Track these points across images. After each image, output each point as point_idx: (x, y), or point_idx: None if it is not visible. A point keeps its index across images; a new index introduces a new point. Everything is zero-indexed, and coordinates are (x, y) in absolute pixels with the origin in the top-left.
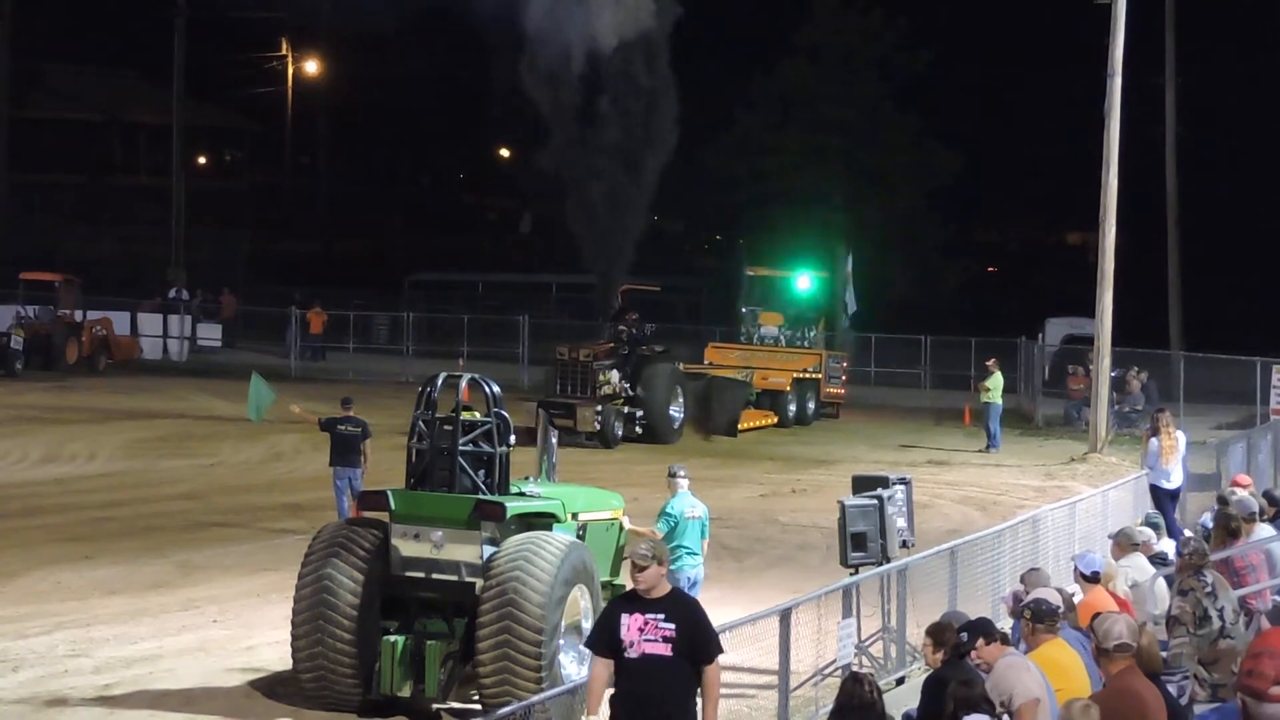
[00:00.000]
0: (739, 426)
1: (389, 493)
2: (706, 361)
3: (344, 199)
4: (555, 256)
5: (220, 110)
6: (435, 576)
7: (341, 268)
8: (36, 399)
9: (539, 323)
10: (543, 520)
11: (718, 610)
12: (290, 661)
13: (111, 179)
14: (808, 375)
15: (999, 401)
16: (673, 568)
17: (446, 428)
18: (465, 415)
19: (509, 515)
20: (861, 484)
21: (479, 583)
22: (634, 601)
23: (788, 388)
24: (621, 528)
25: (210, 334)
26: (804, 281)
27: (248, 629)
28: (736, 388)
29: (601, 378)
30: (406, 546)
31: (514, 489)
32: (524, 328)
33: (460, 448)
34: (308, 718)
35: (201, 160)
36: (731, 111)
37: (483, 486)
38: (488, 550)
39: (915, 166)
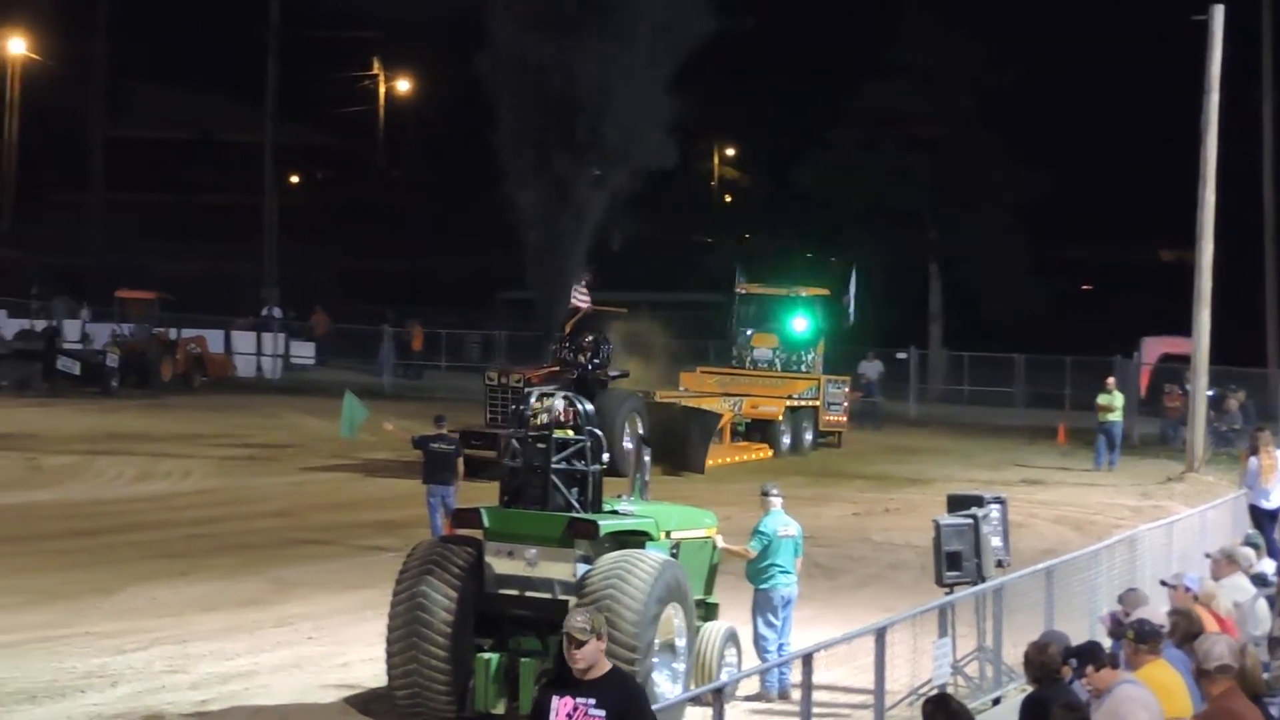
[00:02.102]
0: (707, 461)
1: (482, 510)
2: (681, 388)
3: (435, 216)
4: (647, 274)
5: (311, 128)
6: (529, 594)
7: (432, 285)
8: (132, 417)
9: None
10: (636, 538)
11: (811, 629)
12: (385, 678)
13: (203, 198)
14: (803, 403)
15: (1120, 419)
16: (766, 586)
17: (540, 445)
18: (558, 433)
19: (602, 533)
20: (957, 503)
21: (572, 600)
22: (566, 683)
23: (779, 417)
24: (715, 546)
25: (303, 352)
26: (800, 323)
27: (342, 645)
28: (703, 419)
29: (537, 404)
30: (500, 564)
31: (607, 507)
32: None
33: (554, 465)
34: None
35: (293, 179)
36: (821, 131)
37: (576, 504)
38: (581, 568)
39: (1005, 184)
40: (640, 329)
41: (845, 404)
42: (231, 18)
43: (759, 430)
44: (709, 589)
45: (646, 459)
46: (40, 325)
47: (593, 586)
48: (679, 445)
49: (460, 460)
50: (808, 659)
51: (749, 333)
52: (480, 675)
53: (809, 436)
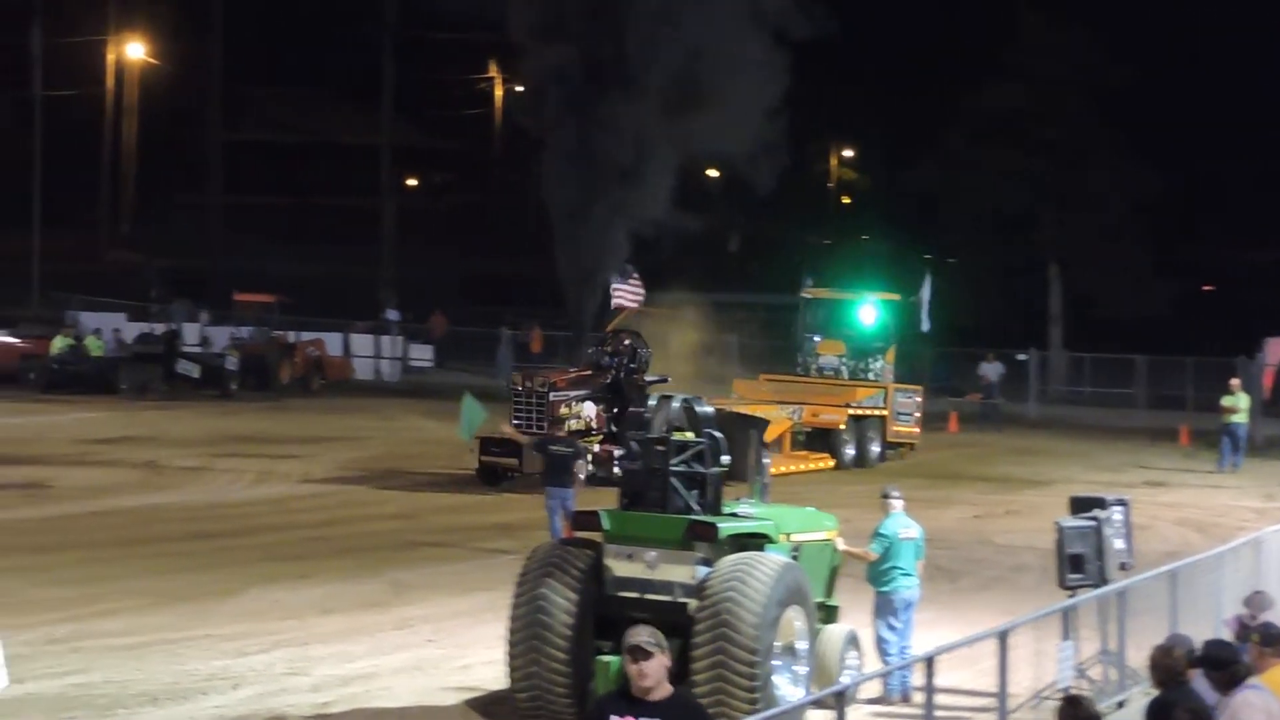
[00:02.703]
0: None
1: (602, 513)
2: (733, 394)
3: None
4: (765, 276)
5: (428, 131)
6: (648, 597)
7: (551, 287)
8: (250, 419)
9: (748, 343)
10: (756, 541)
11: (932, 632)
12: (505, 680)
13: (320, 200)
14: (868, 412)
15: (1245, 421)
16: (887, 589)
17: (659, 448)
18: (677, 436)
19: (722, 536)
20: (1079, 505)
21: (692, 603)
22: (627, 701)
23: (842, 425)
24: (835, 549)
25: (421, 355)
26: (868, 312)
27: (462, 648)
28: (749, 425)
29: (564, 410)
30: (620, 567)
31: (727, 509)
32: (733, 349)
33: (673, 468)
34: None
35: (411, 181)
36: (936, 133)
37: (695, 506)
38: (701, 571)
39: (1124, 184)
40: (689, 329)
41: (917, 414)
42: (348, 21)
43: (821, 440)
44: (829, 592)
45: (766, 461)
46: (160, 328)
47: (713, 589)
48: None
49: (579, 463)
50: (930, 662)
51: (815, 339)
52: (600, 678)
53: (875, 448)
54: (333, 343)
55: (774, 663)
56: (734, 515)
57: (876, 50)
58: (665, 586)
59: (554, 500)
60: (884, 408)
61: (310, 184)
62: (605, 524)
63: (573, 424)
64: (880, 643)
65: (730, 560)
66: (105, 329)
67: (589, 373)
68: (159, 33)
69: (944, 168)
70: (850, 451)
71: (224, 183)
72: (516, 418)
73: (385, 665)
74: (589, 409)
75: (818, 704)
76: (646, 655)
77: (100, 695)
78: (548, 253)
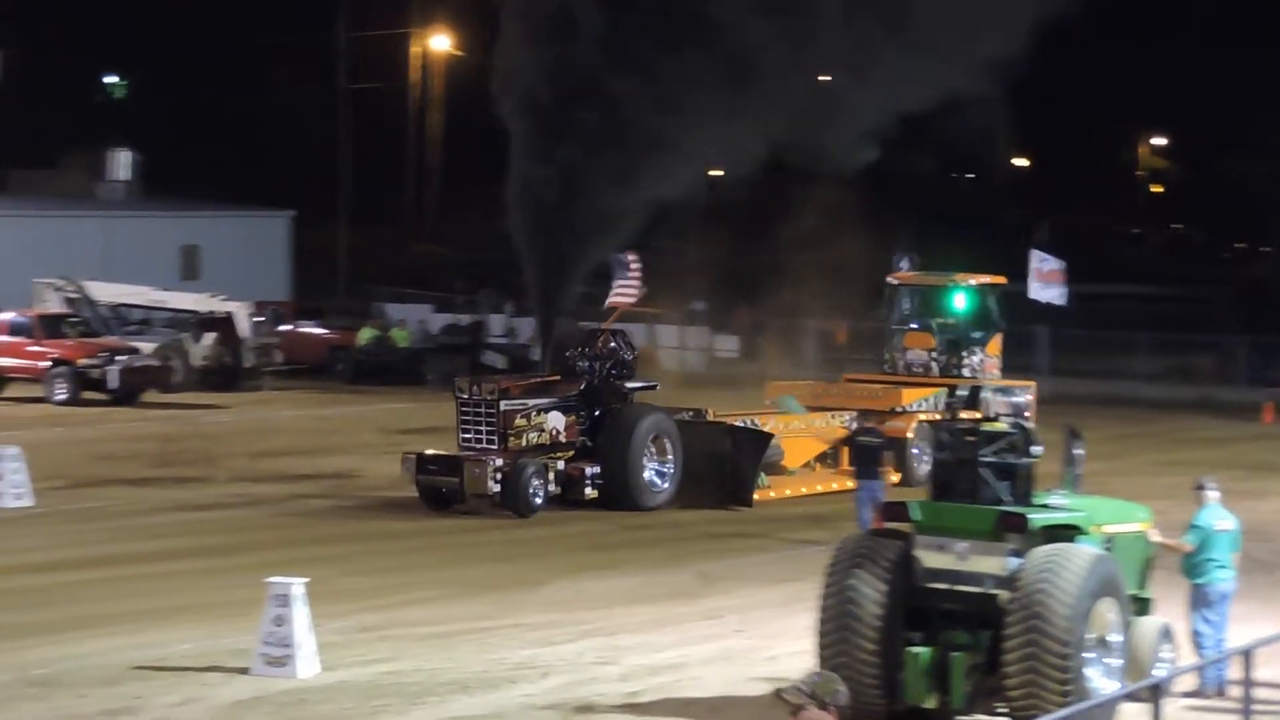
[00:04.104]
0: (754, 494)
1: (911, 504)
2: (767, 400)
3: (851, 207)
4: (1074, 266)
5: None
6: (959, 588)
7: (864, 279)
8: None
9: (1061, 333)
10: (1067, 532)
11: (1249, 625)
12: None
13: None
14: (949, 416)
15: None
16: (1202, 581)
17: (969, 439)
18: (988, 426)
19: (1033, 527)
20: None
21: (1003, 595)
22: None
23: (910, 434)
24: (1149, 541)
25: (727, 345)
26: (960, 300)
27: (770, 639)
28: (751, 440)
29: (520, 422)
30: (930, 558)
31: (1037, 500)
32: (1045, 339)
33: (983, 459)
34: None
35: (715, 172)
36: (1248, 117)
37: (1006, 498)
38: (1012, 562)
39: None
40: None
41: (1027, 414)
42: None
43: (890, 449)
44: (1143, 584)
45: (1078, 451)
46: (466, 320)
47: (1024, 581)
48: (725, 471)
49: (888, 455)
50: (1247, 655)
51: (902, 332)
52: (910, 669)
53: None
54: (638, 333)
55: (1086, 655)
56: (1045, 506)
57: (1189, 35)
58: (976, 578)
59: (864, 491)
60: (936, 412)
61: None
62: (915, 515)
63: (532, 437)
64: (1195, 636)
65: (1042, 552)
66: (412, 320)
67: (555, 379)
68: (461, 25)
69: (1259, 153)
70: (923, 462)
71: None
72: (463, 430)
73: (693, 655)
74: (555, 419)
75: (1131, 697)
76: (792, 708)
77: (410, 683)
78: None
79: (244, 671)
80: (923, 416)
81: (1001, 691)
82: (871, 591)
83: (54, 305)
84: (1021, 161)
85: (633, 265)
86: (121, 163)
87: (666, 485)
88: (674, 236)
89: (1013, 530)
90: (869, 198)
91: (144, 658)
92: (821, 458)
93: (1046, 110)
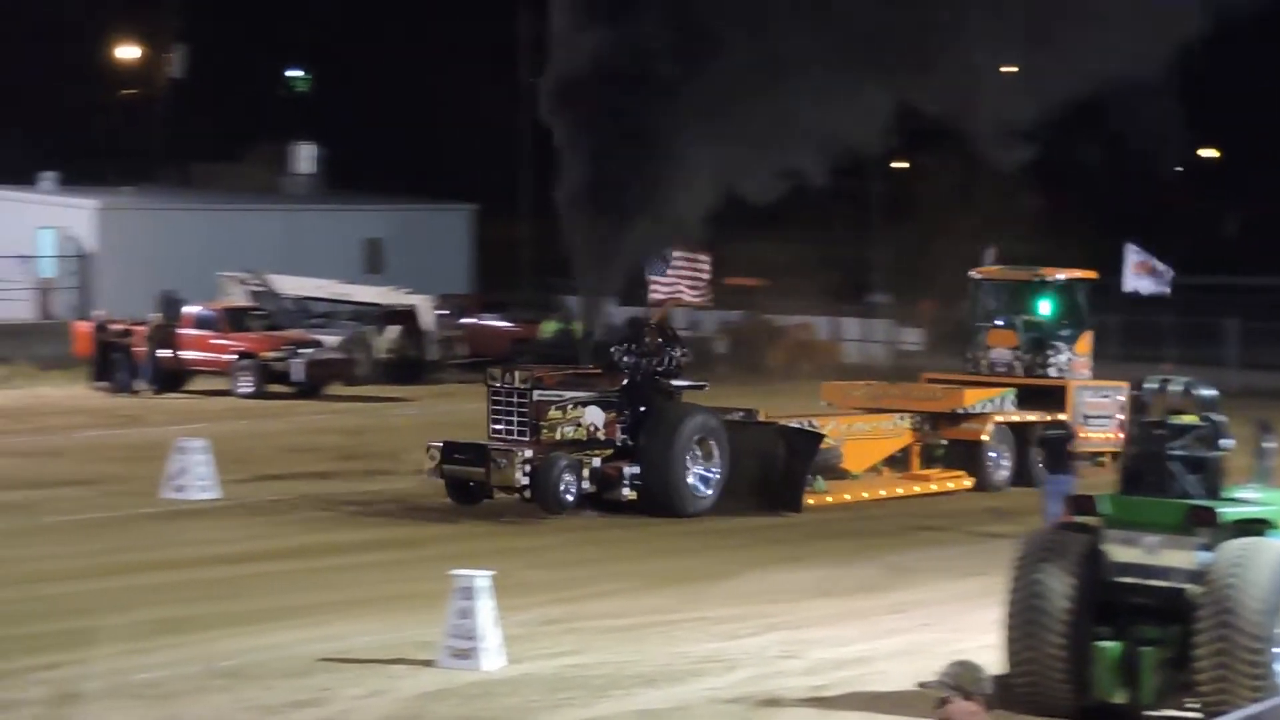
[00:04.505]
0: (803, 499)
1: (1100, 498)
2: (824, 402)
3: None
4: (1272, 258)
5: (913, 111)
6: (1148, 582)
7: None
8: (741, 402)
9: (1253, 326)
10: (1258, 526)
11: None
12: (1002, 666)
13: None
14: (1028, 420)
15: None
16: None
17: (1158, 431)
18: (1176, 419)
19: (1223, 521)
20: None
21: (1193, 589)
22: None
23: (985, 436)
24: None
25: (910, 338)
26: (1050, 294)
27: (957, 632)
28: (802, 442)
29: (554, 414)
30: (1118, 552)
31: (1227, 494)
32: (1234, 332)
33: (1172, 452)
34: None
35: (898, 164)
36: None
37: (1196, 491)
38: (1203, 556)
39: None
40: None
41: (1119, 416)
42: None
43: (964, 452)
44: None
45: (1269, 445)
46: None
47: (1215, 575)
48: (772, 476)
49: (1073, 447)
50: None
51: (985, 329)
52: (1099, 664)
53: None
54: (820, 326)
55: (1277, 650)
56: (1236, 500)
57: None
58: (1165, 572)
59: (1052, 485)
60: (1064, 410)
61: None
62: (1103, 509)
63: (567, 431)
64: None
65: (1233, 546)
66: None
67: (596, 372)
68: None
69: None
70: (1001, 467)
71: None
72: (495, 420)
73: (879, 649)
74: (594, 415)
75: None
76: (937, 701)
77: (596, 676)
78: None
79: (429, 664)
80: (999, 419)
81: (1191, 686)
82: (1059, 586)
83: (239, 299)
84: (1210, 153)
85: (678, 261)
86: (305, 156)
87: (711, 489)
88: (854, 227)
89: (1203, 524)
90: (1056, 192)
91: (330, 650)
92: (891, 461)
93: (1233, 102)
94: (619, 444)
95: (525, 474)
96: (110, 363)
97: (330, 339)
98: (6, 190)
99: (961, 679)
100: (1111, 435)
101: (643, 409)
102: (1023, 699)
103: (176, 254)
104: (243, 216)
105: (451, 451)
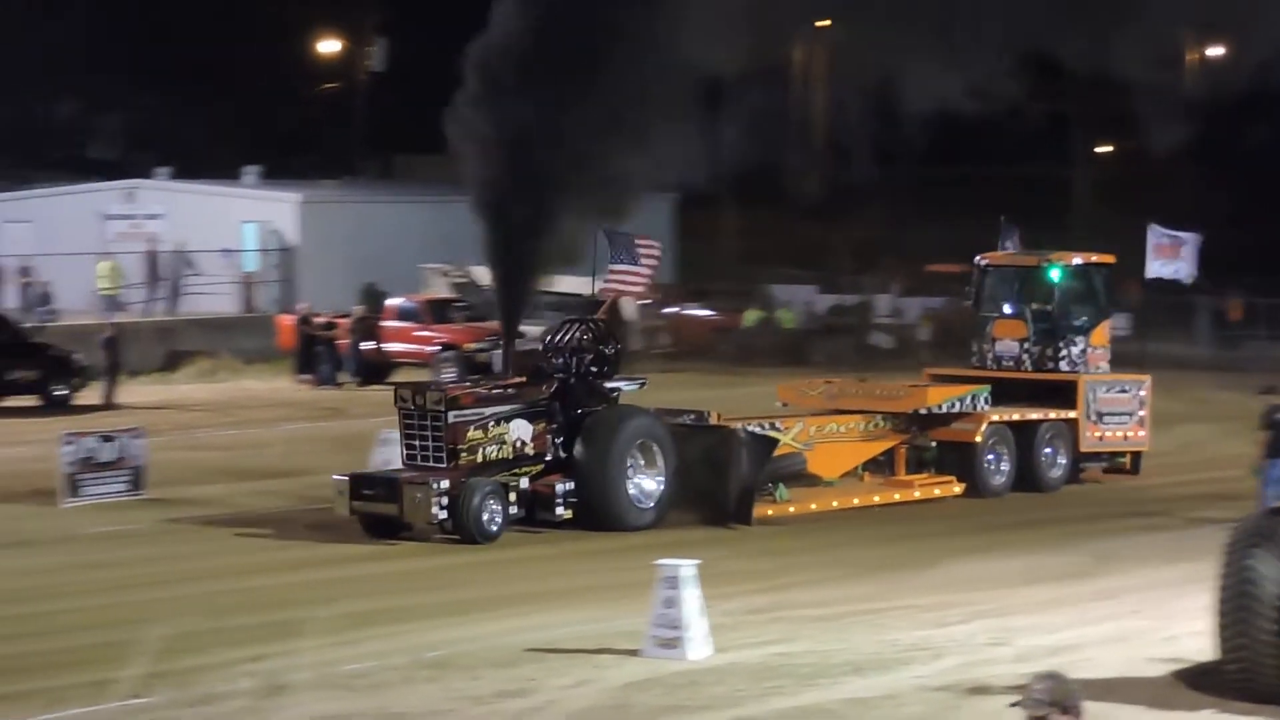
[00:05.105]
0: (762, 507)
1: None
2: (779, 402)
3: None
4: None
5: (1120, 97)
6: None
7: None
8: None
9: None
10: None
11: None
12: (1213, 652)
13: (1004, 170)
14: (1030, 419)
15: None
16: None
17: None
18: None
19: None
20: None
21: None
22: None
23: (978, 438)
24: None
25: (1118, 324)
26: (1060, 281)
27: (1168, 619)
28: (754, 447)
29: (475, 434)
30: None
31: None
32: None
33: None
34: (1233, 709)
35: (1103, 149)
36: None
37: None
38: None
39: None
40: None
41: (1142, 413)
42: None
43: (956, 456)
44: None
45: None
46: (851, 300)
47: None
48: (723, 484)
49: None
50: None
51: (991, 320)
52: None
53: (1060, 463)
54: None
55: None
56: None
57: None
58: None
59: (1275, 470)
60: (1076, 407)
61: (991, 153)
62: None
63: (490, 451)
64: None
65: None
66: (797, 301)
67: (519, 381)
68: None
69: None
70: (998, 472)
71: (914, 155)
72: (408, 445)
73: (1089, 636)
74: (519, 429)
75: None
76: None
77: (802, 664)
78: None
79: (634, 654)
80: (995, 418)
81: None
82: (1272, 572)
83: (441, 290)
84: None
85: (643, 248)
86: None
87: (654, 501)
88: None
89: None
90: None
91: (536, 640)
92: (874, 465)
93: None
94: (552, 458)
95: (442, 506)
96: (313, 356)
97: (533, 329)
98: (210, 185)
99: (1057, 694)
100: (1130, 433)
101: (575, 416)
102: (1235, 687)
103: (378, 246)
104: (444, 208)
105: (360, 485)
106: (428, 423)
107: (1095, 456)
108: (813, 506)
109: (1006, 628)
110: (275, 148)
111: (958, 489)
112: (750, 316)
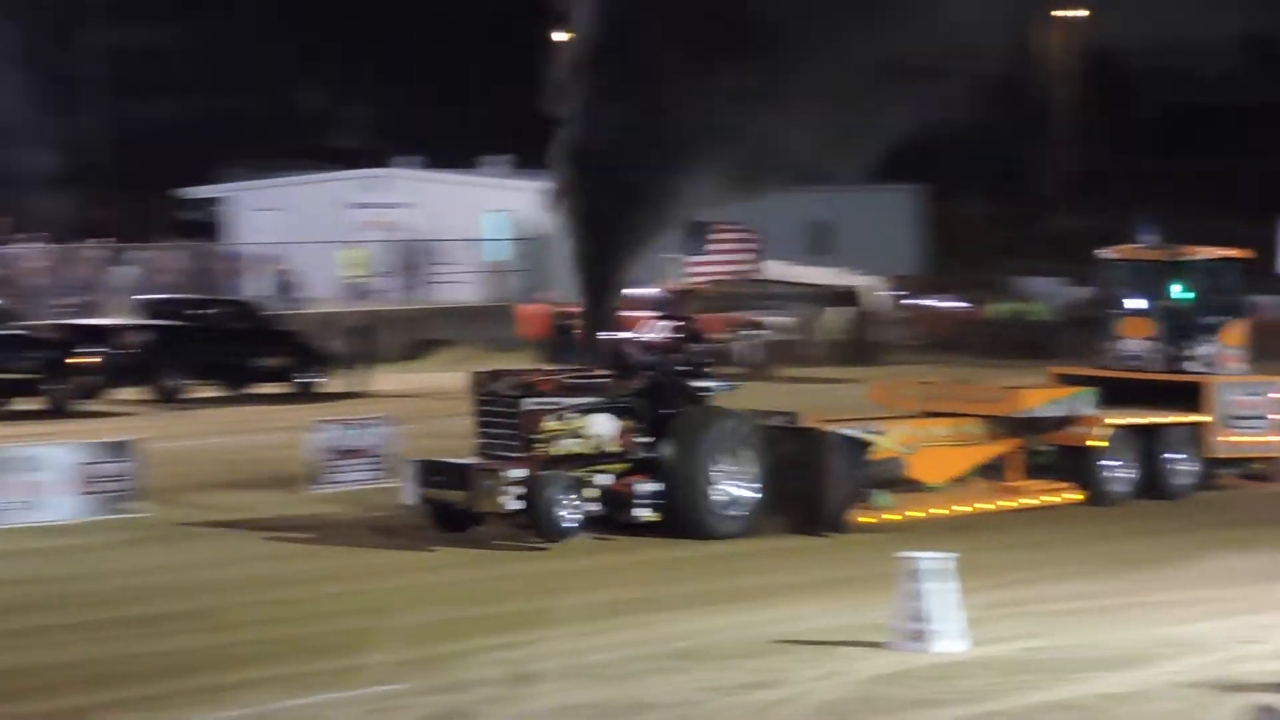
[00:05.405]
0: (849, 515)
1: None
2: (870, 400)
3: None
4: None
5: None
6: None
7: None
8: None
9: None
10: None
11: None
12: None
13: (1253, 163)
14: (1158, 422)
15: None
16: None
17: None
18: None
19: None
20: None
21: None
22: None
23: (1097, 442)
24: None
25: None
26: (1192, 277)
27: None
28: (847, 450)
29: (551, 425)
30: None
31: None
32: None
33: None
34: None
35: None
36: None
37: None
38: None
39: None
40: None
41: (1275, 417)
42: None
43: (1073, 460)
44: None
45: None
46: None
47: None
48: (812, 489)
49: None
50: None
51: (1118, 318)
52: None
53: (1188, 470)
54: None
55: None
56: None
57: None
58: None
59: None
60: (1205, 409)
61: (1248, 145)
62: None
63: (569, 445)
64: None
65: None
66: (1047, 294)
67: (606, 374)
68: None
69: None
70: (1121, 480)
71: (1157, 146)
72: (483, 433)
73: None
74: (603, 424)
75: None
76: None
77: (1053, 659)
78: None
79: (881, 646)
80: (1114, 421)
81: None
82: None
83: (678, 281)
84: None
85: (723, 239)
86: None
87: (743, 507)
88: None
89: None
90: None
91: (781, 631)
92: (988, 470)
93: None
94: (637, 457)
95: (516, 497)
96: (564, 344)
97: (778, 320)
98: (451, 174)
99: None
100: (1265, 439)
101: (663, 412)
102: None
103: None
104: None
105: (429, 472)
106: (502, 410)
107: (1230, 462)
108: (908, 513)
109: (1262, 624)
110: (523, 138)
111: (1077, 496)
112: (999, 309)
